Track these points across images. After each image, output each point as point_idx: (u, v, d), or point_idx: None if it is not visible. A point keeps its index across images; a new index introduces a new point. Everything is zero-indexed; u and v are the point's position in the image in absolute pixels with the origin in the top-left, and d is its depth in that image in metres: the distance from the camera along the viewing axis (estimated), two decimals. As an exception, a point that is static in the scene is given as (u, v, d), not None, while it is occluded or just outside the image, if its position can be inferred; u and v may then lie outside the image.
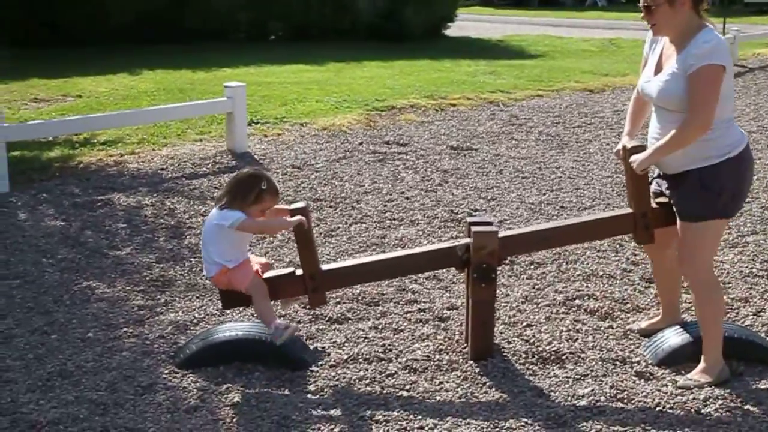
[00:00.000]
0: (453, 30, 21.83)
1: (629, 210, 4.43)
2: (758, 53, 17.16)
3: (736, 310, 5.05)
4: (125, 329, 4.63)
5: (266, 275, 4.30)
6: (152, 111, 8.63)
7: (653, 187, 4.43)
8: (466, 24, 24.66)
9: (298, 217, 4.19)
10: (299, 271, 4.32)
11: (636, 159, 4.20)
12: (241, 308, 4.73)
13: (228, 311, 4.86)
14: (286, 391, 4.07)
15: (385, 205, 7.00)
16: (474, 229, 4.31)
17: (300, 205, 4.31)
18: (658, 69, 4.17)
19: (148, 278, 5.32)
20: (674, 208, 4.23)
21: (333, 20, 18.79)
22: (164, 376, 4.16)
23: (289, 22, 18.58)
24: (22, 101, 10.85)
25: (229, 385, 4.10)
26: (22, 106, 10.56)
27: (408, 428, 3.76)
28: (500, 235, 4.39)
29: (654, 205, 4.38)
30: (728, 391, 4.09)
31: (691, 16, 4.03)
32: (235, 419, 3.79)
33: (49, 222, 6.31)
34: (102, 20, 16.17)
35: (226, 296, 4.29)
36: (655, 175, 4.42)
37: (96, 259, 5.62)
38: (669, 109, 4.10)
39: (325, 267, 4.41)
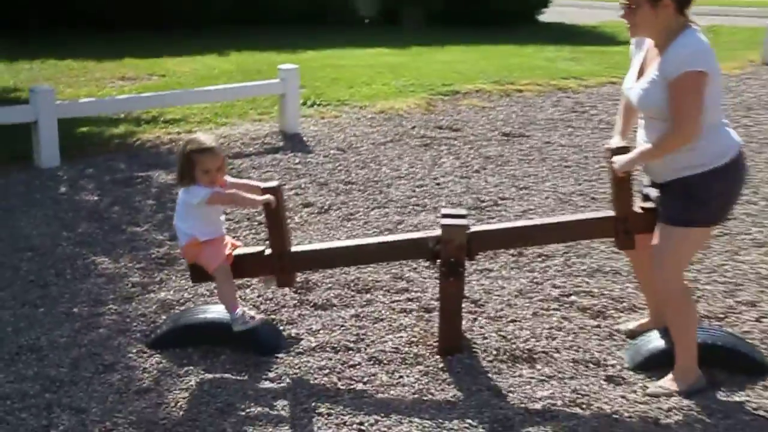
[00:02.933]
0: (550, 15, 21.11)
1: (611, 213, 4.06)
2: None
3: (738, 314, 4.61)
4: (111, 306, 4.56)
5: (237, 251, 4.14)
6: (200, 92, 8.50)
7: (643, 190, 4.06)
8: (568, 10, 23.89)
9: (266, 197, 3.97)
10: (269, 251, 4.14)
11: (618, 160, 3.85)
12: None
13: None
14: (245, 377, 3.90)
15: (414, 191, 6.74)
16: (443, 221, 4.04)
17: (272, 184, 4.09)
18: (641, 74, 3.78)
19: (153, 255, 5.24)
20: (658, 211, 3.85)
21: (424, 3, 18.42)
22: (130, 355, 4.06)
23: (382, 6, 18.32)
24: (110, 79, 11.01)
25: (191, 367, 3.96)
26: (109, 84, 10.71)
27: (348, 423, 3.55)
28: (473, 230, 4.11)
29: (637, 210, 4.00)
30: (696, 401, 3.71)
31: (673, 17, 3.60)
32: (179, 404, 3.65)
33: (84, 197, 6.33)
34: (206, 5, 16.31)
35: (194, 270, 4.12)
36: (645, 182, 4.04)
37: (112, 234, 5.58)
38: (651, 117, 3.73)
39: (294, 248, 4.21)
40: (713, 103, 3.61)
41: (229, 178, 4.05)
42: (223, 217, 4.15)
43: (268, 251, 4.13)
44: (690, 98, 3.51)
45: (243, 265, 4.11)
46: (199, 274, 4.13)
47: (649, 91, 3.65)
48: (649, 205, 3.95)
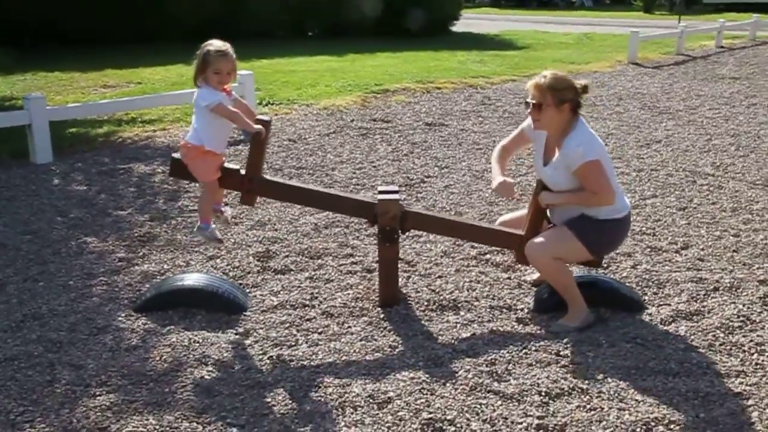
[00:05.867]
0: (459, 26, 21.10)
1: (520, 231, 4.00)
2: (703, 45, 16.29)
3: (617, 263, 4.65)
4: (101, 278, 4.38)
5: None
6: (172, 95, 8.23)
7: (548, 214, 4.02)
8: (473, 22, 23.88)
9: (259, 127, 3.79)
10: (243, 171, 3.98)
11: (545, 195, 3.82)
12: (189, 262, 4.47)
13: (193, 263, 4.61)
14: (219, 333, 3.79)
15: (354, 173, 6.65)
16: (380, 197, 3.97)
17: (265, 118, 3.91)
18: (547, 158, 3.81)
19: (136, 234, 5.06)
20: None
21: (358, 19, 18.22)
22: (120, 318, 3.90)
23: (322, 22, 18.05)
24: (94, 87, 10.62)
25: (172, 327, 3.82)
26: (93, 91, 10.34)
27: (307, 366, 3.47)
28: (413, 209, 4.06)
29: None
30: (588, 334, 3.73)
31: (569, 116, 3.69)
32: (162, 358, 3.52)
33: (75, 186, 6.08)
34: (176, 24, 15.85)
35: (176, 166, 3.91)
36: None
37: (100, 218, 5.37)
38: (560, 190, 3.79)
39: (266, 176, 4.05)
40: (611, 176, 3.71)
41: (235, 94, 3.83)
42: (227, 136, 3.90)
43: (242, 171, 3.97)
44: (598, 178, 3.65)
45: (222, 176, 3.92)
46: (178, 172, 3.92)
47: (556, 176, 3.74)
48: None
